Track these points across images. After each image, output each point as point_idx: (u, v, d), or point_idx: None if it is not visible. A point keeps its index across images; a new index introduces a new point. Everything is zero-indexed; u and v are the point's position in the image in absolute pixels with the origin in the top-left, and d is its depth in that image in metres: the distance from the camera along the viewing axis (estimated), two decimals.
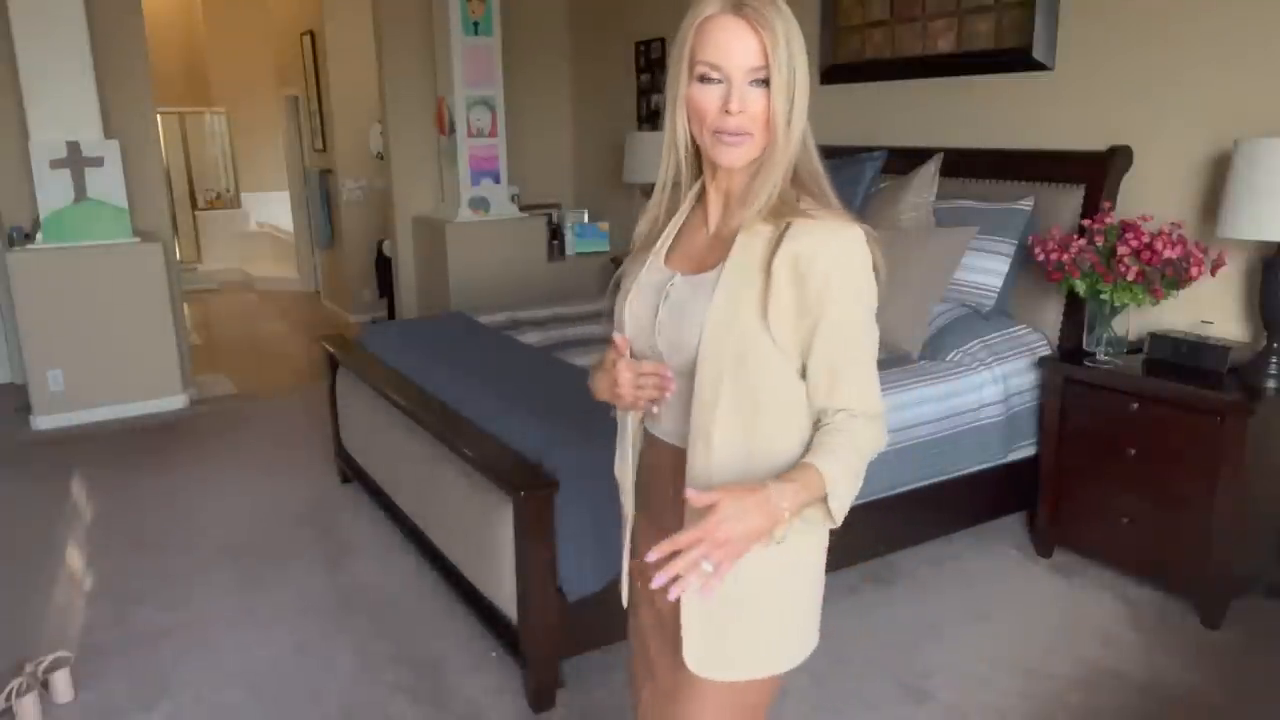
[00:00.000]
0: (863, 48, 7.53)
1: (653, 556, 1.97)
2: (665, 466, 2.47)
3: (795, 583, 2.43)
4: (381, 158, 12.02)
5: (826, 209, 2.25)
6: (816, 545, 2.44)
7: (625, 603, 2.82)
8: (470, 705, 4.52)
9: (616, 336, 2.45)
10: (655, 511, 2.56)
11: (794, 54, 2.16)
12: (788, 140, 2.21)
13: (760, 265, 2.22)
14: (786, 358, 2.25)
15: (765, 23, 2.13)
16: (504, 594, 4.55)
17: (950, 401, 5.45)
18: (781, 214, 2.24)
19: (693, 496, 2.01)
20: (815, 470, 2.14)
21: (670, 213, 2.48)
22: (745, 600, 2.37)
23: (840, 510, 2.20)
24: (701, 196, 2.45)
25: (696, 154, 2.38)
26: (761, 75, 2.15)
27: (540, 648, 4.38)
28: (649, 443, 2.56)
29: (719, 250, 2.33)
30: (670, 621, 2.50)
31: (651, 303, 2.40)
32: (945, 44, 6.86)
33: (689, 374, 2.30)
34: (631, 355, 2.46)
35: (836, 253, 2.18)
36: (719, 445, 2.28)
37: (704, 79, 2.19)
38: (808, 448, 2.25)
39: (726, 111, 2.17)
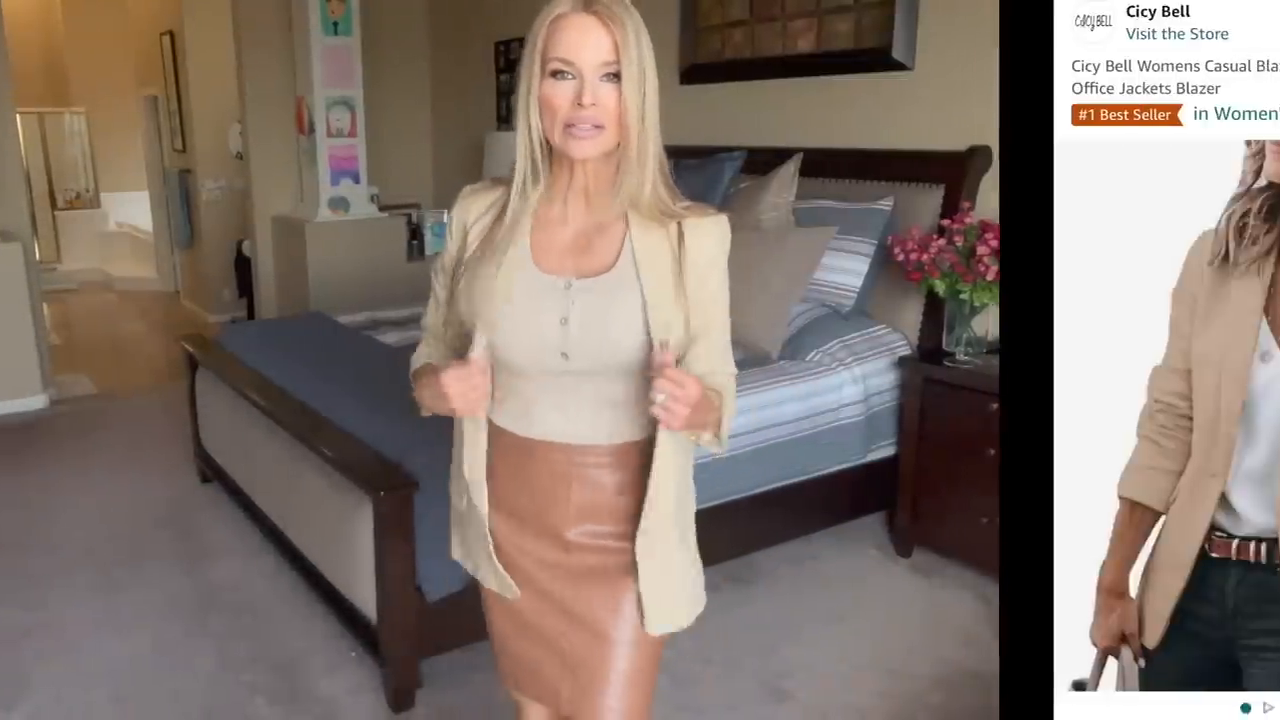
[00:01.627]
0: (723, 48, 7.45)
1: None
2: (554, 464, 2.51)
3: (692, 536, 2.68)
4: (241, 158, 11.86)
5: (694, 203, 2.47)
6: None
7: (488, 611, 2.84)
8: (329, 705, 4.45)
9: (477, 358, 2.33)
10: (531, 514, 2.58)
11: (644, 52, 2.25)
12: (644, 132, 2.30)
13: (670, 264, 2.38)
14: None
15: (616, 19, 2.22)
16: (363, 594, 4.47)
17: (810, 401, 5.38)
18: (666, 211, 2.40)
19: (668, 358, 2.19)
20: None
21: (507, 212, 2.48)
22: (677, 556, 2.61)
23: (725, 442, 2.51)
24: (550, 195, 2.46)
25: (547, 153, 2.41)
26: (613, 70, 2.23)
27: (399, 648, 4.33)
28: (518, 446, 2.55)
29: (600, 249, 2.42)
30: (587, 598, 2.61)
31: (551, 309, 2.38)
32: (805, 44, 6.80)
33: (611, 374, 2.40)
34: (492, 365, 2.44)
35: (719, 245, 2.45)
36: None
37: (556, 74, 2.25)
38: None
39: (579, 104, 2.23)
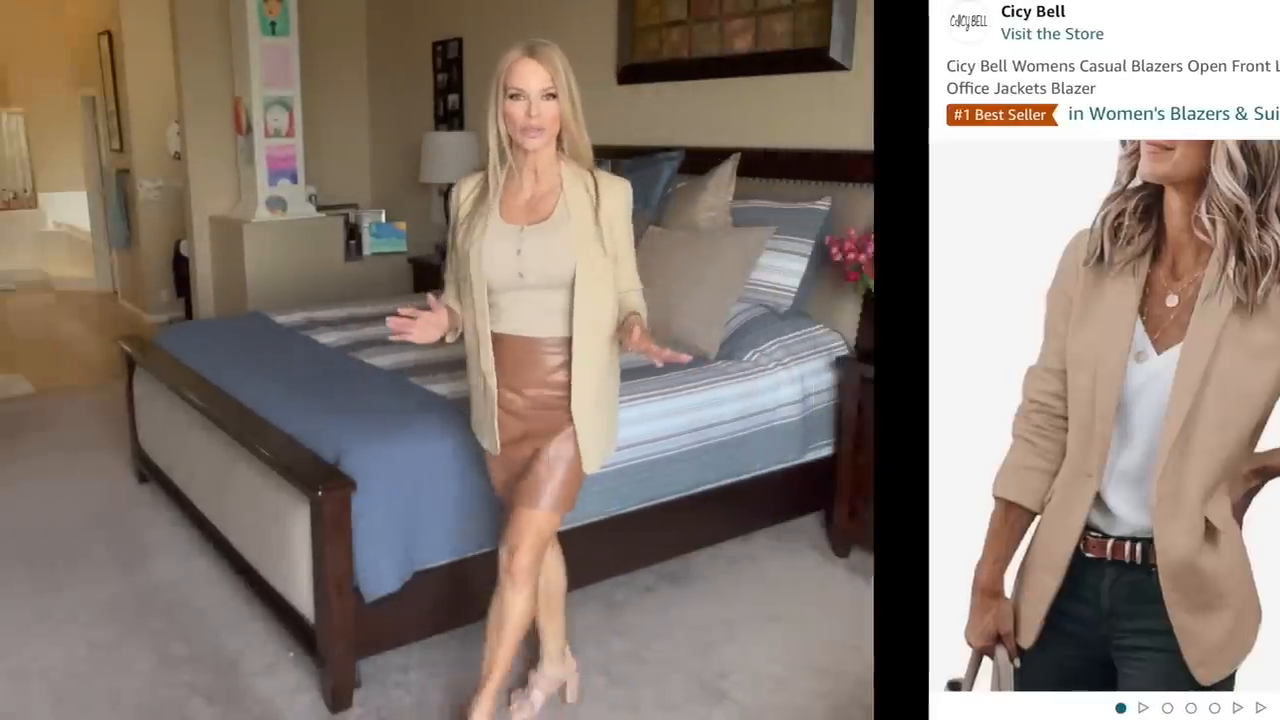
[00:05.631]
0: (660, 47, 7.33)
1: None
2: (524, 350, 3.63)
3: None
4: (179, 158, 11.71)
5: (606, 174, 3.67)
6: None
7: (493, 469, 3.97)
8: (267, 706, 4.38)
9: (436, 303, 3.61)
10: (518, 385, 3.69)
11: (569, 78, 3.41)
12: (578, 129, 3.51)
13: (590, 213, 3.52)
14: (608, 261, 3.56)
15: (549, 60, 3.38)
16: (301, 594, 4.40)
17: (747, 402, 5.27)
18: (587, 179, 3.59)
19: (649, 348, 3.44)
20: (640, 317, 3.60)
21: (489, 188, 3.61)
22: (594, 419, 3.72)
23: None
24: (511, 173, 3.57)
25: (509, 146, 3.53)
26: (550, 91, 3.39)
27: (337, 648, 4.27)
28: (499, 340, 3.65)
29: (544, 206, 3.56)
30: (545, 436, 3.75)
31: (509, 248, 3.52)
32: (743, 44, 6.70)
33: (559, 288, 3.53)
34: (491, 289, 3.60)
35: (623, 200, 3.62)
36: (594, 320, 3.57)
37: (514, 97, 3.39)
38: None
39: (529, 116, 3.37)
